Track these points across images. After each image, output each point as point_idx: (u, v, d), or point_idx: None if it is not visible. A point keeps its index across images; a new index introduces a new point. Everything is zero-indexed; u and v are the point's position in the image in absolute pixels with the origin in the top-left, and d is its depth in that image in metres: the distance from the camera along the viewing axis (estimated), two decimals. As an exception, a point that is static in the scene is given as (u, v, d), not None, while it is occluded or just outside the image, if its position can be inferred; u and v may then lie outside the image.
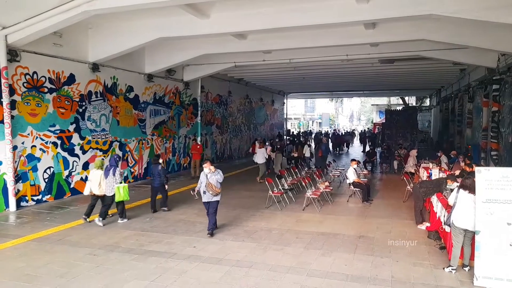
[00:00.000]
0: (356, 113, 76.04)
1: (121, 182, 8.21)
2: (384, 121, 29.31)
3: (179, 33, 10.45)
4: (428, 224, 7.81)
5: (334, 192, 11.37)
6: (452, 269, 5.61)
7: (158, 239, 7.17)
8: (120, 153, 12.79)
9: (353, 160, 11.35)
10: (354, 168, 10.93)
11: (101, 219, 8.08)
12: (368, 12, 8.74)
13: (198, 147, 15.24)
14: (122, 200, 8.20)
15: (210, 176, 7.31)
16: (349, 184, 10.81)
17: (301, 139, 22.14)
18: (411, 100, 44.94)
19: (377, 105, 51.30)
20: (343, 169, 14.83)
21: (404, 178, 11.33)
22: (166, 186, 9.35)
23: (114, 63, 12.18)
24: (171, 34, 10.53)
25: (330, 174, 13.45)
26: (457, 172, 8.95)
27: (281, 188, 10.34)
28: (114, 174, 8.08)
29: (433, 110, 33.76)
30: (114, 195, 8.07)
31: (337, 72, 18.74)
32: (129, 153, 13.29)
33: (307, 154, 16.71)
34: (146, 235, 7.46)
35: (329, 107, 65.39)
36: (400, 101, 42.31)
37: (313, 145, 21.97)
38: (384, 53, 13.24)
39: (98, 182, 8.13)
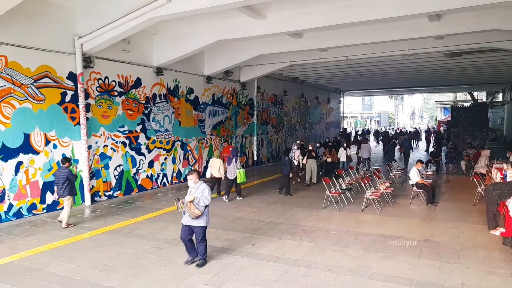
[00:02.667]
0: (418, 110, 72.15)
1: (240, 168, 10.43)
2: (449, 118, 27.53)
3: (237, 35, 10.70)
4: (503, 230, 7.20)
5: (395, 193, 10.90)
6: None
7: (217, 235, 7.40)
8: (182, 152, 13.40)
9: (419, 161, 10.79)
10: (418, 169, 10.39)
11: (226, 196, 10.49)
12: (433, 3, 8.27)
13: (231, 149, 13.72)
14: (241, 182, 10.53)
15: (192, 192, 5.81)
16: (412, 185, 10.30)
17: (342, 140, 18.75)
18: (481, 96, 41.60)
19: (441, 101, 48.23)
20: (405, 169, 14.18)
21: (474, 180, 10.53)
22: (291, 174, 11.30)
23: (176, 67, 12.78)
24: (229, 36, 10.81)
25: (391, 175, 12.92)
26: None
27: (338, 188, 10.15)
28: (236, 162, 10.45)
29: (507, 106, 30.91)
30: (235, 178, 10.37)
31: (398, 67, 17.96)
32: (189, 152, 13.87)
33: (343, 159, 14.23)
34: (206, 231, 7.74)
35: (388, 105, 62.79)
36: (468, 97, 39.32)
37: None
38: (450, 46, 12.43)
39: (217, 168, 10.65)
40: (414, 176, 10.19)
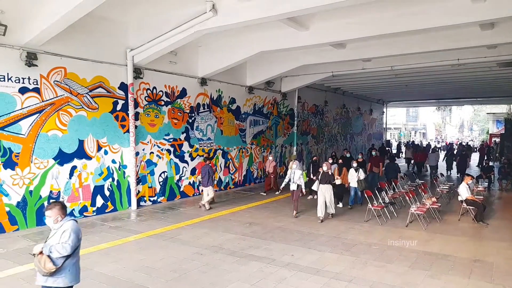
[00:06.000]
0: (467, 122, 68.40)
1: (304, 170, 11.88)
2: (503, 131, 25.92)
3: (280, 46, 10.83)
4: None
5: (443, 209, 10.40)
6: None
7: (257, 244, 7.45)
8: (223, 161, 13.65)
9: (467, 175, 10.25)
10: (468, 184, 9.86)
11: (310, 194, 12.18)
12: (486, 12, 7.91)
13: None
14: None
15: (51, 235, 3.75)
16: (461, 201, 9.78)
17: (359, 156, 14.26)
18: (539, 108, 38.65)
19: (493, 113, 45.42)
20: (452, 184, 13.49)
21: (531, 198, 9.84)
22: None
23: (219, 77, 13.13)
24: (272, 47, 10.97)
25: (438, 190, 12.34)
26: None
27: (381, 201, 9.86)
28: (302, 164, 12.09)
29: None
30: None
31: (446, 78, 17.23)
32: (230, 160, 14.10)
33: (353, 184, 10.83)
34: (247, 239, 7.82)
35: (435, 116, 60.13)
36: (524, 109, 36.76)
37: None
38: (504, 55, 11.77)
39: None
40: (464, 191, 9.67)
